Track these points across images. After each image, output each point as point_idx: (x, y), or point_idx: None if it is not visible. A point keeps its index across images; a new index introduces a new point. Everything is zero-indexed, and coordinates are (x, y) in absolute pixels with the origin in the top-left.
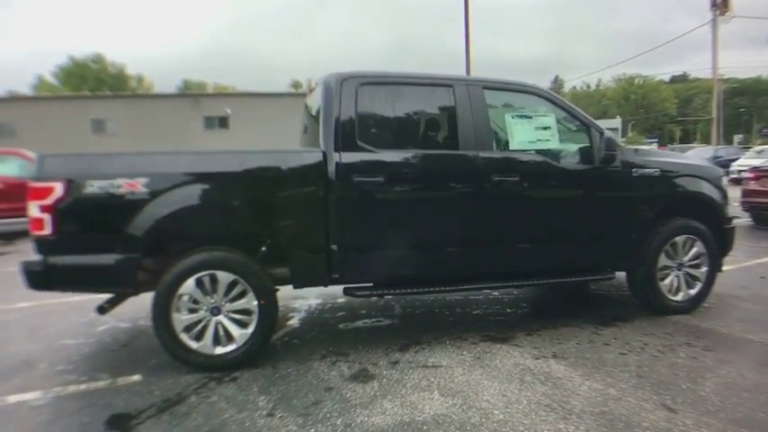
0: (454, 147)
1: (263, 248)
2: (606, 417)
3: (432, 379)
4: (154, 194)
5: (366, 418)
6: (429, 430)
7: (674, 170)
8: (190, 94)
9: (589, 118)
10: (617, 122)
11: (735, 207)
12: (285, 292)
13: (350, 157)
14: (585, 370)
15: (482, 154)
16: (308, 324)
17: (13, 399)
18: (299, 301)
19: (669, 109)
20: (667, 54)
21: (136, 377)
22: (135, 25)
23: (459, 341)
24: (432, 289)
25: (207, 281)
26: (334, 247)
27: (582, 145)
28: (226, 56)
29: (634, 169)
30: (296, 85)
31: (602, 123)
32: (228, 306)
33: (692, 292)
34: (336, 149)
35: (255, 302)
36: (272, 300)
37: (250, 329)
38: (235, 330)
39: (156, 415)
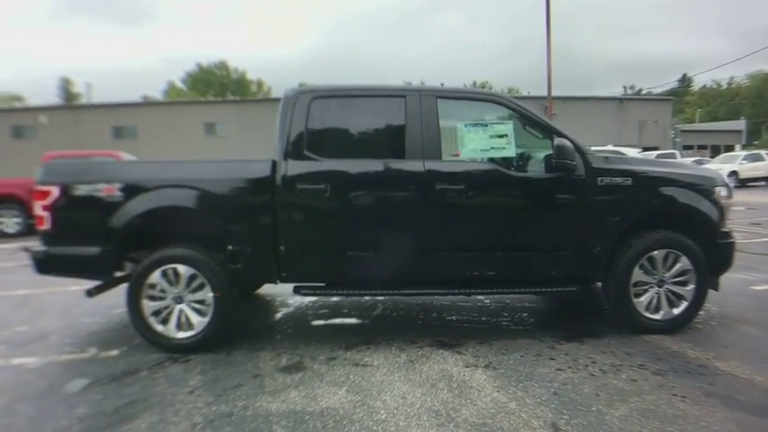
0: (401, 156)
1: (230, 247)
2: (483, 428)
3: (351, 377)
4: (127, 198)
5: (265, 404)
6: (309, 420)
7: (651, 179)
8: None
9: (553, 126)
10: (741, 124)
11: None
12: (287, 289)
13: (295, 166)
14: (505, 382)
15: (428, 163)
16: (288, 319)
17: (16, 361)
18: (296, 298)
19: None
20: None
21: (114, 352)
22: (256, 32)
23: (408, 344)
24: (378, 291)
25: (171, 273)
26: (282, 248)
27: (543, 153)
28: (340, 59)
29: (600, 178)
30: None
31: (725, 125)
32: (190, 296)
33: (676, 311)
34: (285, 158)
35: (211, 294)
36: (226, 293)
37: (207, 318)
38: (194, 318)
39: (108, 383)
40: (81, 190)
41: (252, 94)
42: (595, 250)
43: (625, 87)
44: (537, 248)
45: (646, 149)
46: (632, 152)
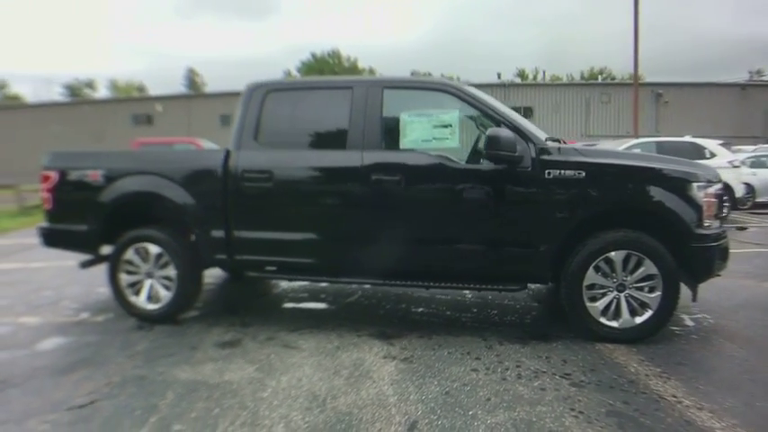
0: (342, 146)
1: (194, 229)
2: (343, 417)
3: (273, 356)
4: (108, 182)
5: (179, 373)
6: (200, 389)
7: (608, 173)
8: None
9: (503, 115)
10: None
11: None
12: None
13: (245, 155)
14: (407, 376)
15: (366, 153)
16: (267, 299)
17: (22, 320)
18: (286, 281)
19: None
20: None
21: (101, 318)
22: (371, 20)
23: (350, 331)
24: (320, 278)
25: (142, 251)
26: (234, 232)
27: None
28: (453, 46)
29: (548, 170)
30: (521, 74)
31: None
32: (158, 272)
33: (638, 320)
34: (238, 148)
35: (174, 272)
36: (186, 271)
37: (171, 293)
38: (162, 292)
39: (76, 343)
40: (74, 175)
41: None
42: (541, 248)
43: (751, 72)
44: (474, 243)
45: None
46: (712, 144)
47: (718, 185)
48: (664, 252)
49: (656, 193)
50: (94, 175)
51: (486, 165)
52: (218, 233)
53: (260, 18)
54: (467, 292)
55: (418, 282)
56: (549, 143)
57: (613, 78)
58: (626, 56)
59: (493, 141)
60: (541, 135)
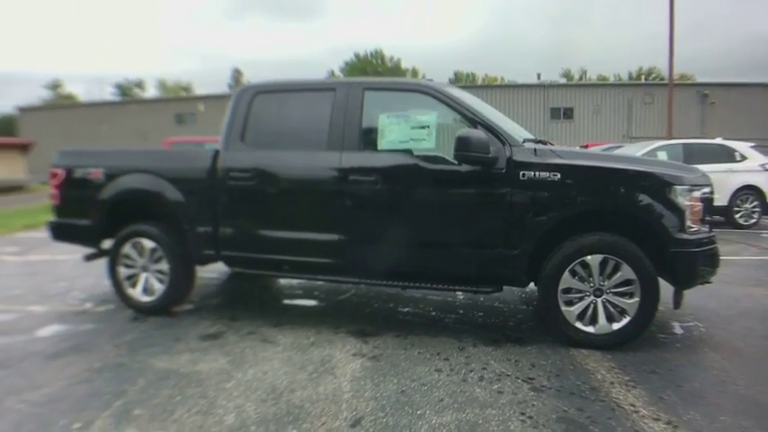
0: (323, 147)
1: (185, 226)
2: (294, 410)
3: (247, 350)
4: (108, 180)
5: (156, 362)
6: (170, 378)
7: (585, 175)
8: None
9: (480, 116)
10: None
11: None
12: None
13: (231, 155)
14: (369, 374)
15: (345, 154)
16: (265, 295)
17: (30, 308)
18: (291, 279)
19: None
20: None
21: (102, 308)
22: (416, 21)
23: (330, 328)
24: (300, 275)
25: (138, 246)
26: (221, 228)
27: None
28: (500, 47)
29: (522, 172)
30: (567, 74)
31: None
32: (153, 266)
33: (615, 325)
34: (226, 149)
35: (168, 266)
36: (180, 266)
37: (164, 286)
38: (156, 285)
39: (73, 330)
40: (78, 172)
41: None
42: (515, 250)
43: None
44: (449, 244)
45: None
46: (743, 146)
47: (706, 189)
48: (642, 257)
49: (634, 195)
50: (96, 173)
51: (463, 167)
52: (206, 229)
53: (305, 19)
54: (459, 293)
55: (393, 281)
56: (527, 144)
57: (662, 79)
58: (676, 54)
59: (463, 143)
60: (519, 137)
